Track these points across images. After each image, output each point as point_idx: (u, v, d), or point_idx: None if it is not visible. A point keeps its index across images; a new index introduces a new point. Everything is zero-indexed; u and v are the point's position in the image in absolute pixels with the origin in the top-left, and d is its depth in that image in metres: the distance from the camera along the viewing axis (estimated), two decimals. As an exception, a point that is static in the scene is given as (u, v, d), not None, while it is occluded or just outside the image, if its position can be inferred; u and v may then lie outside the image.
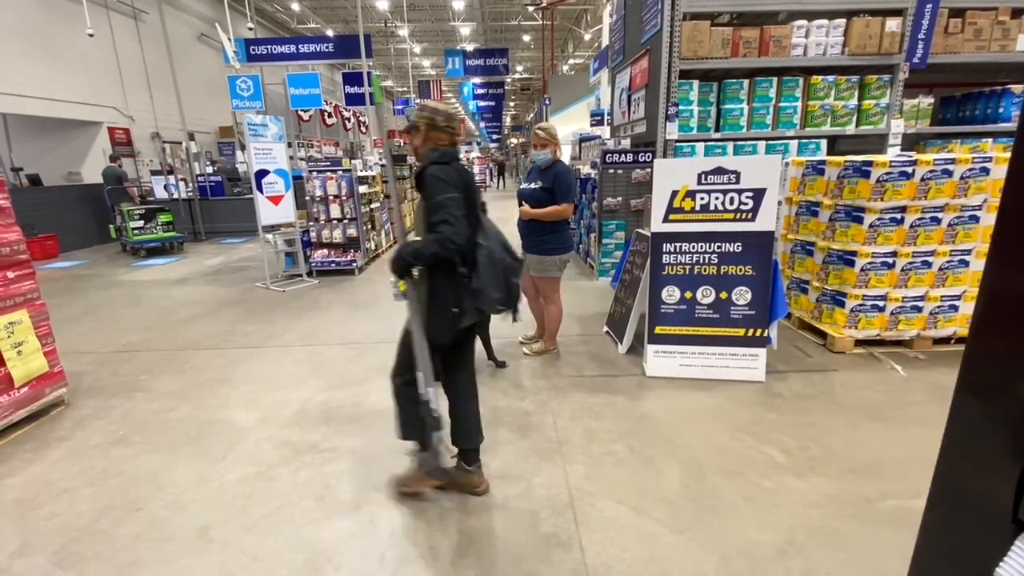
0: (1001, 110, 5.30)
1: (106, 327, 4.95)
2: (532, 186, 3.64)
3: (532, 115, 28.29)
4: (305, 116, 13.62)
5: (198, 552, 2.05)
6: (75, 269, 7.98)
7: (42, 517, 2.28)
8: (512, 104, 40.74)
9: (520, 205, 3.70)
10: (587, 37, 21.74)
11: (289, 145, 8.37)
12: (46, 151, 10.94)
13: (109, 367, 3.95)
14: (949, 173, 3.47)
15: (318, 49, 10.99)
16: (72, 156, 11.23)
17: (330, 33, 20.86)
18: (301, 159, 11.90)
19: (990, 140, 5.24)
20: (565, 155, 3.60)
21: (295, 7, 18.84)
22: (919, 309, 3.69)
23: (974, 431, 0.67)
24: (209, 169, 12.31)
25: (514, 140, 32.48)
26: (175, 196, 10.58)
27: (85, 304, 5.78)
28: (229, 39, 10.34)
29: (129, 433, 2.97)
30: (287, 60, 11.11)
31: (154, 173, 11.40)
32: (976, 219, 3.56)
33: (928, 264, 3.63)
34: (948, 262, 3.62)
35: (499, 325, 4.34)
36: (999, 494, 0.62)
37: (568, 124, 16.28)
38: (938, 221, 3.57)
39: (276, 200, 6.26)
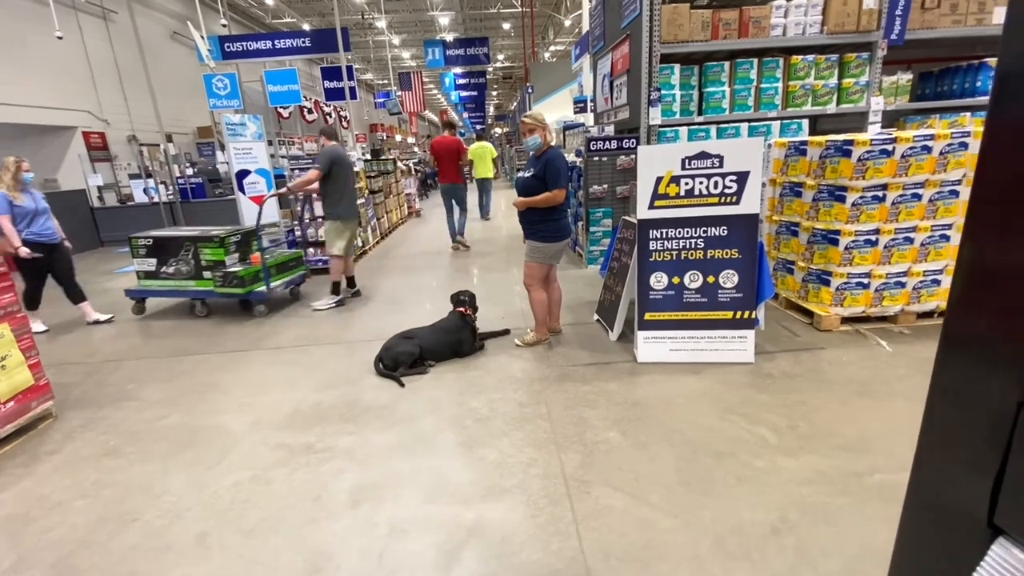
0: (979, 84, 5.35)
1: (91, 337, 4.88)
2: (525, 175, 3.67)
3: (515, 104, 28.09)
4: (285, 113, 13.40)
5: (197, 559, 2.04)
6: (57, 278, 7.82)
7: (36, 532, 2.26)
8: (495, 93, 40.43)
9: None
10: (567, 23, 21.56)
11: (270, 143, 8.24)
12: (20, 159, 10.66)
13: (96, 377, 3.90)
14: (928, 149, 3.51)
15: (295, 44, 10.80)
16: (47, 163, 10.95)
17: (306, 27, 20.49)
18: (283, 157, 11.74)
19: (968, 114, 5.30)
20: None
21: (269, 1, 18.45)
22: (902, 285, 3.75)
23: (950, 434, 0.67)
24: (189, 171, 12.08)
25: (498, 130, 32.25)
26: (155, 200, 10.40)
27: (68, 314, 5.68)
28: (202, 37, 10.11)
29: (120, 443, 2.95)
30: (263, 56, 10.91)
31: (132, 177, 11.18)
32: (956, 194, 3.61)
33: (910, 240, 3.68)
34: (930, 237, 3.68)
35: (487, 318, 4.34)
36: (975, 498, 0.62)
37: (552, 112, 16.18)
38: (919, 197, 3.62)
39: (259, 200, 6.18)
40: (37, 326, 5.00)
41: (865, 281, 3.75)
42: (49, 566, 2.06)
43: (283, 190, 5.34)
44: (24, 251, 4.54)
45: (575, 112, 12.90)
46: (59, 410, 3.36)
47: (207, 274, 5.03)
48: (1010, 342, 0.58)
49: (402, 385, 3.41)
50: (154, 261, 5.15)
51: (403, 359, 3.55)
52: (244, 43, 10.73)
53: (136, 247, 5.14)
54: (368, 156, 11.45)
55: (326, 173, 4.93)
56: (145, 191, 10.55)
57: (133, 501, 2.42)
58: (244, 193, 6.00)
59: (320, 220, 6.66)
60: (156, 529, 2.23)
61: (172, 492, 2.47)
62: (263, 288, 5.00)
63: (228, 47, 10.59)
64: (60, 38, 9.80)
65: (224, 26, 12.59)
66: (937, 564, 0.70)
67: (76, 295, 5.20)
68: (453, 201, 7.88)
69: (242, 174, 5.99)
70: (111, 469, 2.70)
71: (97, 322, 5.17)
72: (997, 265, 0.61)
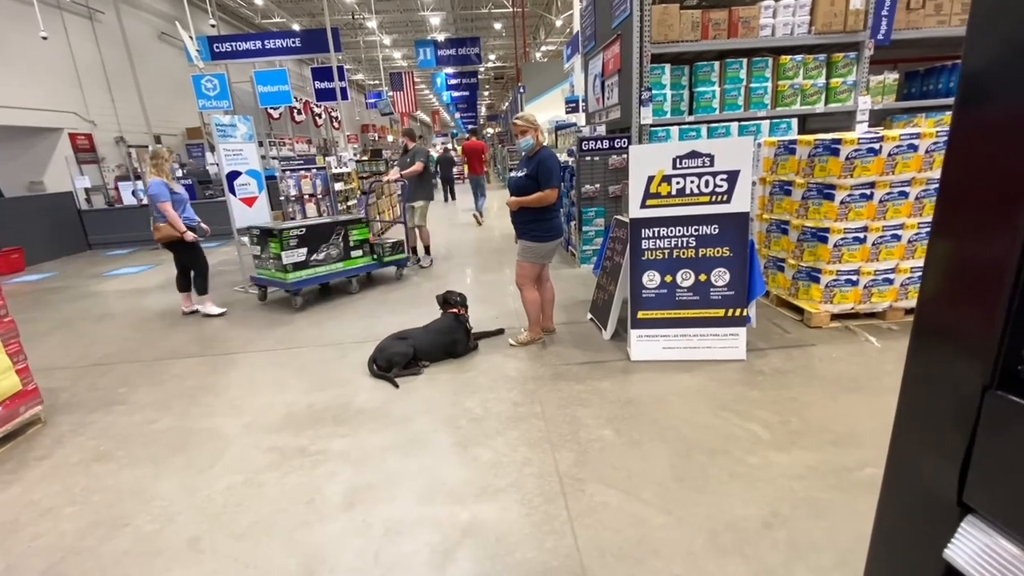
0: (963, 83, 5.43)
1: (80, 340, 4.83)
2: (518, 175, 3.68)
3: (507, 103, 28.11)
4: (275, 114, 13.33)
5: (189, 563, 2.03)
6: (44, 282, 7.73)
7: (25, 539, 2.23)
8: (487, 93, 40.39)
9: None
10: (559, 23, 21.59)
11: (260, 144, 8.18)
12: (5, 161, 10.53)
13: (86, 381, 3.86)
14: (915, 148, 3.55)
15: (285, 44, 10.76)
16: (33, 165, 10.81)
17: (296, 27, 20.37)
18: (273, 158, 11.66)
19: (953, 113, 5.37)
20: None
21: (258, 1, 18.33)
22: (890, 281, 3.79)
23: (921, 419, 0.70)
24: (178, 172, 11.97)
25: (490, 130, 32.23)
26: (144, 202, 10.28)
27: (56, 318, 5.62)
28: (191, 37, 10.03)
29: (111, 448, 2.92)
30: (253, 57, 10.86)
31: (120, 179, 11.06)
32: (942, 191, 3.66)
33: (898, 237, 3.72)
34: (916, 234, 3.72)
35: (481, 318, 4.35)
36: (946, 479, 0.65)
37: (544, 112, 16.20)
38: (906, 195, 3.66)
39: (250, 202, 6.13)
40: (210, 308, 5.18)
41: (854, 278, 3.79)
42: (39, 573, 2.03)
43: (395, 175, 6.42)
44: (190, 235, 4.83)
45: (567, 112, 12.92)
46: (48, 415, 3.32)
47: (355, 253, 5.65)
48: (975, 332, 0.61)
49: (396, 386, 3.40)
50: (304, 251, 5.14)
51: (397, 360, 3.54)
52: (233, 43, 10.67)
53: (287, 239, 5.02)
54: (365, 157, 11.41)
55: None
56: (134, 193, 10.45)
57: (123, 506, 2.40)
58: (235, 195, 5.95)
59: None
60: (147, 534, 2.21)
61: (163, 496, 2.45)
62: (407, 255, 6.32)
63: (217, 47, 10.52)
64: (45, 38, 9.69)
65: (213, 26, 12.49)
66: (912, 542, 0.73)
67: (204, 285, 5.23)
68: (477, 187, 11.10)
69: (232, 175, 5.94)
70: (101, 474, 2.67)
71: (208, 315, 5.28)
72: (962, 260, 0.64)
